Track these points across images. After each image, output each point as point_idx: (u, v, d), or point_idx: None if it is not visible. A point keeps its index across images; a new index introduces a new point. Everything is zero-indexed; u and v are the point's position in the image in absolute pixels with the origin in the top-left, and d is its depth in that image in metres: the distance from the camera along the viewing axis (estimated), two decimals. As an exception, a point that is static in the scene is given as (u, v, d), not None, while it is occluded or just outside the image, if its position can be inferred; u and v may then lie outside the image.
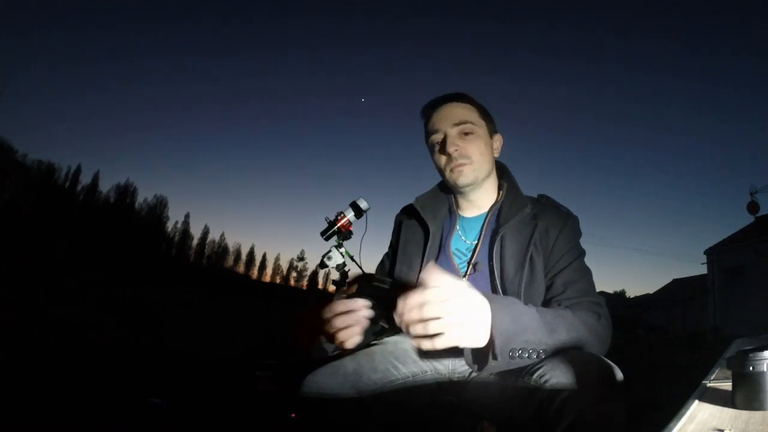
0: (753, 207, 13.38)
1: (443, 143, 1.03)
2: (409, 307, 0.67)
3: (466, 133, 1.03)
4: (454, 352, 0.97)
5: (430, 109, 1.08)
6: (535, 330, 0.75)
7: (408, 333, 0.69)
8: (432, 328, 0.67)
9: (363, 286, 0.90)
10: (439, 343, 0.68)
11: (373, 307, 0.92)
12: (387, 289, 0.90)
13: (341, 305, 0.85)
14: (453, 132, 1.03)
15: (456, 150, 1.02)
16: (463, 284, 0.72)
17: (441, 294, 0.68)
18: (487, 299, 0.72)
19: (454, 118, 1.04)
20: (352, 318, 0.85)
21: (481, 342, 0.72)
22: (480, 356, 0.77)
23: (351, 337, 0.86)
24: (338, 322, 0.84)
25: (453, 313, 0.68)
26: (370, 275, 0.97)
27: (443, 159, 1.05)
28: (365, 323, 0.87)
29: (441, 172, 1.07)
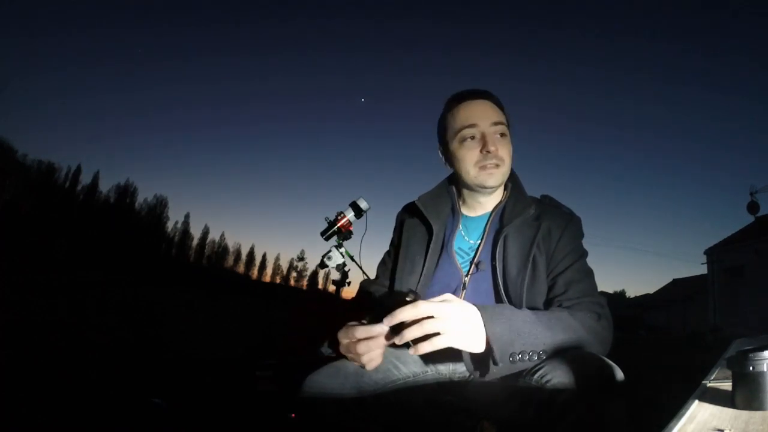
0: (753, 207, 13.37)
1: (483, 140, 0.99)
2: (404, 309, 0.72)
3: (502, 135, 1.02)
4: (455, 356, 0.98)
5: (463, 100, 1.04)
6: (531, 332, 0.76)
7: (402, 339, 0.72)
8: (427, 327, 0.70)
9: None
10: (438, 343, 0.70)
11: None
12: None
13: (362, 332, 0.84)
14: (492, 131, 1.00)
15: (495, 150, 0.99)
16: (452, 296, 0.76)
17: (434, 302, 0.73)
18: (477, 308, 0.75)
19: (492, 116, 1.01)
20: (375, 343, 0.84)
21: (478, 346, 0.73)
22: (480, 363, 0.77)
23: (372, 361, 0.86)
24: (361, 348, 0.85)
25: (447, 313, 0.71)
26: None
27: (476, 156, 1.00)
28: (384, 346, 0.87)
29: (466, 168, 1.02)
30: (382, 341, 0.84)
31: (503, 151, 1.01)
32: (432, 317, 0.71)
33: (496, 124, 1.01)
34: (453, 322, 0.71)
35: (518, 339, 0.74)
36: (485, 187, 1.02)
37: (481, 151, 1.00)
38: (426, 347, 0.70)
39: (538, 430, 0.71)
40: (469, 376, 0.99)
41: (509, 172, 1.05)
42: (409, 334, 0.71)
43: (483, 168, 1.00)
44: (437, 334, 0.70)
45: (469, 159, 1.01)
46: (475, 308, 0.75)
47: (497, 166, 1.00)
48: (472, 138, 1.01)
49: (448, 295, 0.75)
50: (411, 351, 0.72)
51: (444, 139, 1.07)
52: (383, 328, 0.82)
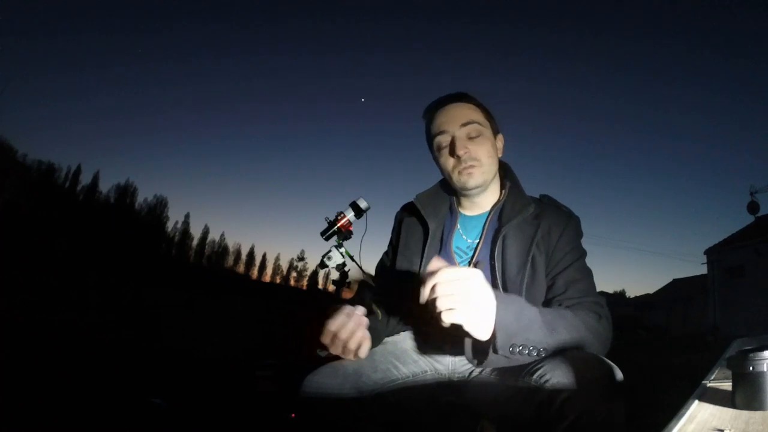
0: (753, 207, 13.37)
1: (452, 145, 1.01)
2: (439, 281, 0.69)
3: (474, 135, 1.01)
4: (454, 351, 0.98)
5: (434, 109, 1.05)
6: (536, 329, 0.76)
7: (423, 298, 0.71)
8: (450, 301, 0.69)
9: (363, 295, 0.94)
10: (447, 317, 0.69)
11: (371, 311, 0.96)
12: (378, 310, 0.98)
13: (338, 322, 0.88)
14: (461, 133, 1.01)
15: (466, 152, 0.99)
16: (480, 273, 0.73)
17: (461, 273, 0.71)
18: (494, 294, 0.74)
19: (461, 118, 1.02)
20: (353, 323, 0.88)
21: (484, 333, 0.73)
22: (480, 352, 0.78)
23: (362, 343, 0.89)
24: (343, 333, 0.87)
25: (467, 291, 0.70)
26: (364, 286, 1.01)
27: (451, 161, 1.02)
28: (365, 329, 0.90)
29: (448, 174, 1.04)
30: (356, 316, 0.88)
31: (477, 151, 1.01)
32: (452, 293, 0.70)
33: (465, 125, 1.01)
34: (474, 301, 0.70)
35: (522, 332, 0.74)
36: (468, 189, 1.03)
37: (452, 157, 1.01)
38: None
39: (538, 430, 0.71)
40: (469, 375, 0.99)
41: (492, 170, 1.05)
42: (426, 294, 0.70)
43: (461, 171, 1.01)
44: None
45: (448, 166, 1.03)
46: (492, 294, 0.73)
47: (473, 166, 1.00)
48: (446, 145, 1.02)
49: (475, 271, 0.73)
50: (423, 299, 0.71)
51: (430, 148, 1.09)
52: (357, 309, 0.89)
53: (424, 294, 0.71)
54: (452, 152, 1.01)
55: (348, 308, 0.90)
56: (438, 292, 0.69)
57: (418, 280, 1.02)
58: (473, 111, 1.04)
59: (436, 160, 1.07)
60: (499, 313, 0.73)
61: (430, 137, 1.06)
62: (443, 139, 1.03)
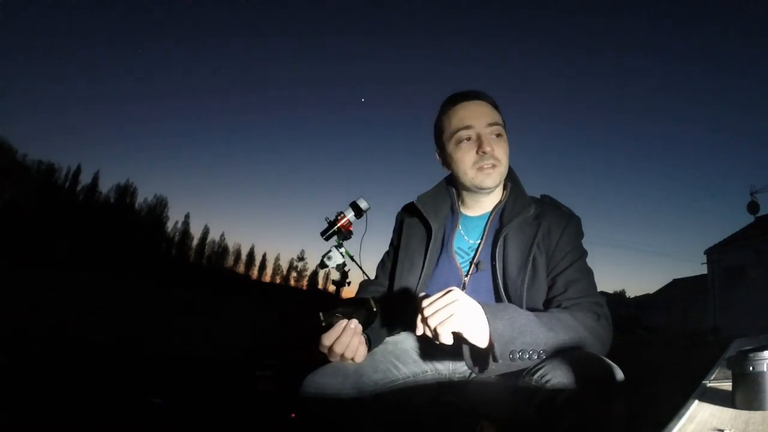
0: (753, 207, 13.41)
1: (479, 141, 1.00)
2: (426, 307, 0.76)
3: (498, 135, 1.02)
4: (455, 355, 0.98)
5: (458, 102, 1.04)
6: (533, 331, 0.76)
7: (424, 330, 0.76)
8: (443, 312, 0.74)
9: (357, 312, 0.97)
10: (442, 329, 0.73)
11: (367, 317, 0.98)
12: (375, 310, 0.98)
13: (328, 338, 0.91)
14: (487, 131, 1.01)
15: (491, 149, 0.99)
16: (457, 289, 0.78)
17: (445, 294, 0.76)
18: (481, 306, 0.77)
19: (488, 117, 1.01)
20: (346, 336, 0.90)
21: (481, 340, 0.74)
22: (480, 359, 0.78)
23: (357, 352, 0.91)
24: (338, 348, 0.90)
25: (454, 302, 0.75)
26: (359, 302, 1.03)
27: (472, 156, 1.00)
28: (359, 334, 0.93)
29: (463, 170, 1.02)
30: (350, 330, 0.90)
31: (500, 152, 1.01)
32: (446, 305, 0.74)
33: (491, 124, 1.01)
34: (462, 308, 0.74)
35: (519, 337, 0.75)
36: (483, 188, 1.02)
37: (477, 152, 1.00)
38: (434, 321, 0.73)
39: (538, 430, 0.71)
40: (470, 375, 0.99)
41: (507, 172, 1.05)
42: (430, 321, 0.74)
43: (480, 169, 1.00)
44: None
45: (466, 160, 1.01)
46: (479, 305, 0.77)
47: (494, 166, 1.00)
48: (468, 139, 1.01)
49: (454, 288, 0.77)
50: (418, 330, 0.77)
51: (441, 142, 1.08)
52: (348, 322, 0.91)
53: (419, 325, 0.76)
54: (479, 147, 1.00)
55: (342, 321, 0.92)
56: (426, 314, 0.74)
57: (416, 300, 1.03)
58: (495, 112, 1.04)
59: (451, 153, 1.03)
60: (492, 321, 0.75)
61: (451, 130, 1.03)
62: (467, 134, 1.01)
